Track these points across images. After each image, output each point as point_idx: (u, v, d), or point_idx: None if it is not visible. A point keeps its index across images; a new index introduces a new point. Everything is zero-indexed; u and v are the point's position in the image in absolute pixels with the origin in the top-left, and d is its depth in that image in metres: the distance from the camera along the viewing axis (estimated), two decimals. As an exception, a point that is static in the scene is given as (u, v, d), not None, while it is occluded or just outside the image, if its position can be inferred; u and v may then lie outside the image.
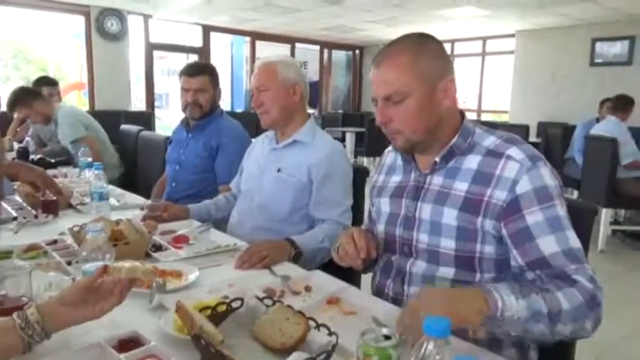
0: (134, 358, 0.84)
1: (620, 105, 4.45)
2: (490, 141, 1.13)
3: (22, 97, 3.37)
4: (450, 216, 1.11)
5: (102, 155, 3.24)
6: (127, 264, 0.93)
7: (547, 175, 1.06)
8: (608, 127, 4.34)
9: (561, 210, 1.05)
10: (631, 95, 4.64)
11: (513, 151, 1.08)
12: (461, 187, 1.11)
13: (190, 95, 2.29)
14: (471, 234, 1.09)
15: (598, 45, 7.11)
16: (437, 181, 1.16)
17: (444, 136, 1.15)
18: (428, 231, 1.15)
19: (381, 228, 1.27)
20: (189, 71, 2.32)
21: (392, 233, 1.23)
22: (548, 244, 1.02)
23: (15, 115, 3.73)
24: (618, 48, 6.92)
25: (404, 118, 1.11)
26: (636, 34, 6.72)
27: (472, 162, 1.12)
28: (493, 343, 1.07)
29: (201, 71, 2.32)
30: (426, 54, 1.11)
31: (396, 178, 1.28)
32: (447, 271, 1.13)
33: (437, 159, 1.15)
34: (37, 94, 3.46)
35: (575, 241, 1.03)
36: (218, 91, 2.40)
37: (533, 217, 1.04)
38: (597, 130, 4.51)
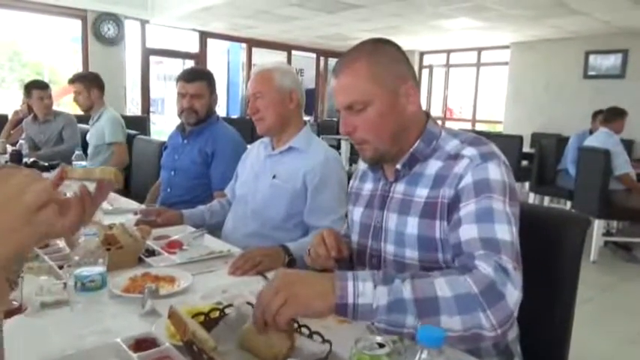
0: (149, 358, 0.85)
1: (611, 116, 4.48)
2: (452, 144, 1.10)
3: (38, 83, 3.77)
4: (412, 225, 1.09)
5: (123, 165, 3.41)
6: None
7: (494, 170, 1.02)
8: (600, 138, 4.38)
9: (500, 204, 0.98)
10: (624, 108, 4.69)
11: (468, 150, 1.06)
12: (421, 193, 1.09)
13: (186, 101, 2.29)
14: (431, 243, 1.06)
15: (592, 58, 7.19)
16: (400, 188, 1.14)
17: (409, 142, 1.12)
18: (393, 241, 1.13)
19: (354, 238, 1.26)
20: (187, 77, 2.32)
21: (364, 244, 1.22)
22: (467, 231, 0.98)
23: (29, 98, 3.84)
24: (611, 61, 7.00)
25: (367, 126, 1.09)
26: (629, 48, 6.80)
27: (433, 167, 1.09)
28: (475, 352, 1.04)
29: (198, 77, 2.32)
30: (383, 59, 1.09)
31: (368, 186, 1.26)
32: None
33: (398, 166, 1.13)
34: (102, 85, 3.62)
35: (503, 234, 0.95)
36: (214, 97, 2.40)
37: (467, 208, 1.00)
38: (590, 142, 4.55)
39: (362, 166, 1.33)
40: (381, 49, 1.10)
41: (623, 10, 5.54)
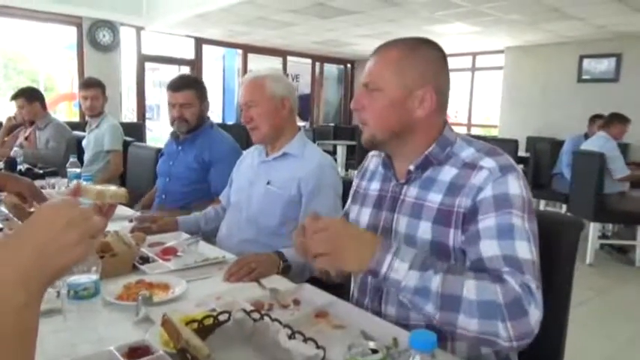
0: None
1: (610, 121, 4.52)
2: (468, 153, 1.10)
3: (29, 91, 3.82)
4: (424, 229, 1.09)
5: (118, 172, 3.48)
6: (97, 187, 0.88)
7: (513, 184, 1.02)
8: (597, 142, 4.42)
9: (519, 220, 0.99)
10: (617, 111, 4.72)
11: (486, 162, 1.06)
12: (435, 198, 1.09)
13: (176, 110, 2.29)
14: (443, 250, 1.06)
15: (586, 62, 7.23)
16: (412, 192, 1.14)
17: (418, 144, 1.13)
18: (403, 244, 1.12)
19: None
20: (173, 86, 2.31)
21: None
22: (489, 247, 0.98)
23: (15, 104, 3.90)
24: (605, 65, 7.04)
25: (372, 109, 1.12)
26: (623, 52, 6.85)
27: (447, 174, 1.10)
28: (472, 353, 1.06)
29: (185, 86, 2.31)
30: (416, 58, 1.10)
31: (375, 186, 1.26)
32: None
33: (411, 167, 1.13)
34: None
35: (524, 253, 0.96)
36: (205, 104, 2.39)
37: (486, 222, 1.00)
38: (586, 145, 4.58)
39: (370, 165, 1.33)
40: (420, 48, 1.12)
41: (616, 15, 5.59)
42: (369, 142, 1.17)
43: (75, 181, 2.43)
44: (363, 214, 1.26)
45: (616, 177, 4.19)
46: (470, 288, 0.90)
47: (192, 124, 2.32)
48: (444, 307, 0.90)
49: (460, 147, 1.12)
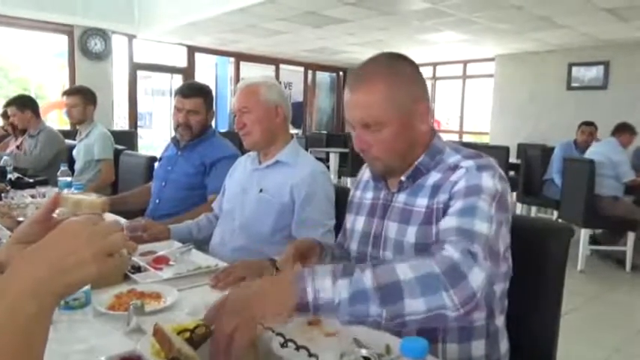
0: None
1: (621, 128, 4.67)
2: (454, 159, 1.13)
3: (20, 99, 3.82)
4: (411, 233, 1.11)
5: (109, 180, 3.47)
6: (76, 196, 0.89)
7: (487, 178, 1.05)
8: (607, 145, 4.54)
9: (484, 204, 1.00)
10: (605, 118, 4.82)
11: (465, 162, 1.09)
12: (421, 203, 1.12)
13: (182, 116, 2.30)
14: (427, 249, 1.06)
15: (574, 69, 7.32)
16: (401, 198, 1.17)
17: (415, 156, 1.16)
18: (392, 248, 1.16)
19: (353, 247, 1.28)
20: (184, 92, 2.33)
21: (363, 252, 1.24)
22: (447, 222, 1.02)
23: (8, 111, 3.92)
24: (594, 72, 7.14)
25: (382, 146, 1.12)
26: (610, 59, 6.95)
27: (433, 179, 1.13)
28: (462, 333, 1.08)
29: (195, 93, 2.33)
30: (401, 80, 1.10)
31: (369, 195, 1.29)
32: None
33: (403, 178, 1.16)
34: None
35: (481, 227, 0.96)
36: (211, 113, 2.41)
37: (454, 207, 1.03)
38: (595, 148, 4.68)
39: (364, 176, 1.35)
40: (398, 68, 1.12)
41: (604, 23, 5.67)
42: (383, 172, 1.19)
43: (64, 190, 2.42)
44: (357, 222, 1.29)
45: (623, 180, 4.31)
46: (404, 269, 0.87)
47: (195, 132, 2.33)
48: (386, 299, 0.84)
49: (448, 155, 1.15)
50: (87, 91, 3.58)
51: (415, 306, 0.84)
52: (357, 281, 0.85)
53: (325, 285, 0.84)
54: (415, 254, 1.08)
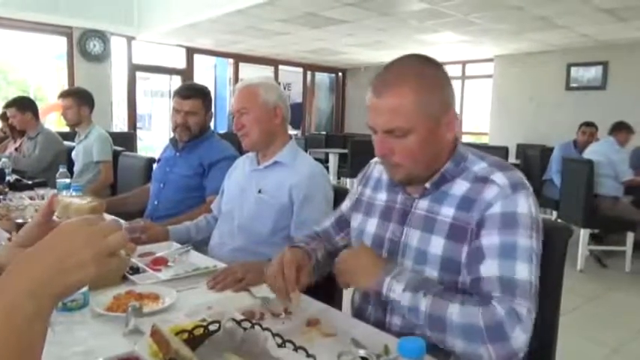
0: None
1: (618, 127, 4.68)
2: (480, 167, 1.10)
3: (20, 101, 3.82)
4: (436, 245, 1.08)
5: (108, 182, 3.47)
6: (68, 199, 0.88)
7: (522, 203, 1.02)
8: (605, 145, 4.55)
9: (524, 240, 1.00)
10: (604, 118, 4.82)
11: (497, 177, 1.06)
12: (447, 212, 1.08)
13: (181, 117, 2.29)
14: (454, 266, 1.06)
15: (573, 70, 7.33)
16: (423, 205, 1.13)
17: (440, 163, 1.12)
18: (413, 258, 1.12)
19: None
20: (183, 93, 2.32)
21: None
22: (489, 267, 0.99)
23: (7, 113, 3.93)
24: (592, 73, 7.15)
25: (406, 153, 1.07)
26: (609, 60, 6.95)
27: (460, 188, 1.09)
28: None
29: (194, 94, 2.33)
30: (430, 85, 1.05)
31: (382, 196, 1.25)
32: None
33: (427, 185, 1.12)
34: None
35: (523, 274, 0.98)
36: (210, 114, 2.41)
37: (489, 239, 1.01)
38: (593, 148, 4.69)
39: (374, 173, 1.32)
40: (428, 72, 1.07)
41: (602, 24, 5.68)
42: (404, 180, 1.14)
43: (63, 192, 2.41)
44: (369, 224, 1.25)
45: (622, 180, 4.31)
46: (454, 311, 0.96)
47: (194, 133, 2.33)
48: (431, 326, 0.98)
49: (472, 162, 1.12)
50: (81, 92, 3.56)
51: (453, 344, 0.96)
52: (417, 300, 1.00)
53: (397, 288, 1.03)
54: (440, 269, 1.07)
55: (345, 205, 1.41)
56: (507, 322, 0.93)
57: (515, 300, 0.95)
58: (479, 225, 1.03)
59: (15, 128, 3.91)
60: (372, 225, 1.24)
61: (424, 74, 1.06)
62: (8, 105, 3.81)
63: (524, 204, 1.02)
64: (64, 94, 3.52)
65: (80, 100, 3.47)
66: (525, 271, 0.98)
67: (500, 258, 0.99)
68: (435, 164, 1.11)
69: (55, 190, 2.70)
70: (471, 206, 1.05)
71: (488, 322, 0.93)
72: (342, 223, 1.40)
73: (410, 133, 1.05)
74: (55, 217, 0.88)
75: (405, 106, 1.03)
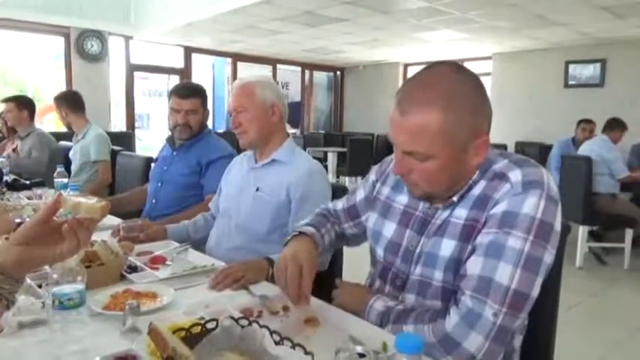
0: None
1: (612, 125, 4.66)
2: (501, 164, 1.03)
3: (20, 98, 3.88)
4: (446, 247, 1.04)
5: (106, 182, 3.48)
6: (77, 199, 0.87)
7: (530, 204, 0.95)
8: (598, 142, 4.52)
9: (515, 242, 0.93)
10: (602, 116, 4.82)
11: (514, 174, 0.99)
12: (461, 214, 1.04)
13: (181, 117, 2.30)
14: (458, 266, 1.02)
15: (571, 67, 7.33)
16: (444, 214, 1.07)
17: (466, 178, 1.05)
18: (423, 262, 1.09)
19: (379, 251, 1.23)
20: (182, 93, 2.33)
21: (390, 262, 1.19)
22: (472, 264, 0.97)
23: (4, 107, 3.97)
24: (591, 70, 7.15)
25: (424, 175, 1.01)
26: (607, 57, 6.96)
27: (478, 187, 1.03)
28: None
29: (193, 93, 2.34)
30: (461, 111, 0.95)
31: (402, 199, 1.19)
32: (433, 305, 1.07)
33: (455, 199, 1.05)
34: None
35: (504, 278, 0.92)
36: (207, 112, 2.42)
37: (484, 236, 0.97)
38: (587, 145, 4.67)
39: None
40: (460, 91, 0.96)
41: (600, 21, 5.68)
42: (424, 198, 1.10)
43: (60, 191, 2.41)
44: (386, 228, 1.20)
45: (617, 177, 4.30)
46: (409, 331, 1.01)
47: (194, 131, 2.34)
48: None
49: (494, 161, 1.05)
50: (65, 96, 3.58)
51: None
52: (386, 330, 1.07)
53: (378, 307, 1.12)
54: (444, 270, 1.03)
55: (360, 196, 1.36)
56: (457, 329, 0.94)
57: (487, 300, 0.92)
58: (484, 223, 0.99)
59: (11, 128, 3.92)
60: (388, 230, 1.19)
61: (456, 93, 0.96)
62: (8, 99, 3.81)
63: (532, 205, 0.95)
64: (55, 98, 3.57)
65: (68, 104, 3.51)
66: (506, 274, 0.92)
67: (485, 256, 0.95)
68: (455, 186, 1.05)
69: (53, 190, 2.70)
70: (485, 205, 1.00)
71: (438, 336, 0.96)
72: (353, 213, 1.39)
73: (430, 158, 0.98)
74: (56, 216, 0.87)
75: (429, 130, 0.94)
